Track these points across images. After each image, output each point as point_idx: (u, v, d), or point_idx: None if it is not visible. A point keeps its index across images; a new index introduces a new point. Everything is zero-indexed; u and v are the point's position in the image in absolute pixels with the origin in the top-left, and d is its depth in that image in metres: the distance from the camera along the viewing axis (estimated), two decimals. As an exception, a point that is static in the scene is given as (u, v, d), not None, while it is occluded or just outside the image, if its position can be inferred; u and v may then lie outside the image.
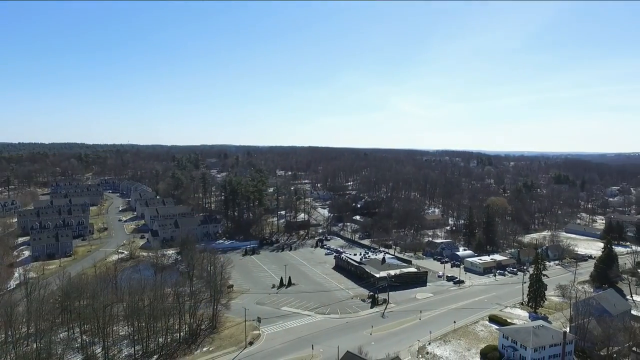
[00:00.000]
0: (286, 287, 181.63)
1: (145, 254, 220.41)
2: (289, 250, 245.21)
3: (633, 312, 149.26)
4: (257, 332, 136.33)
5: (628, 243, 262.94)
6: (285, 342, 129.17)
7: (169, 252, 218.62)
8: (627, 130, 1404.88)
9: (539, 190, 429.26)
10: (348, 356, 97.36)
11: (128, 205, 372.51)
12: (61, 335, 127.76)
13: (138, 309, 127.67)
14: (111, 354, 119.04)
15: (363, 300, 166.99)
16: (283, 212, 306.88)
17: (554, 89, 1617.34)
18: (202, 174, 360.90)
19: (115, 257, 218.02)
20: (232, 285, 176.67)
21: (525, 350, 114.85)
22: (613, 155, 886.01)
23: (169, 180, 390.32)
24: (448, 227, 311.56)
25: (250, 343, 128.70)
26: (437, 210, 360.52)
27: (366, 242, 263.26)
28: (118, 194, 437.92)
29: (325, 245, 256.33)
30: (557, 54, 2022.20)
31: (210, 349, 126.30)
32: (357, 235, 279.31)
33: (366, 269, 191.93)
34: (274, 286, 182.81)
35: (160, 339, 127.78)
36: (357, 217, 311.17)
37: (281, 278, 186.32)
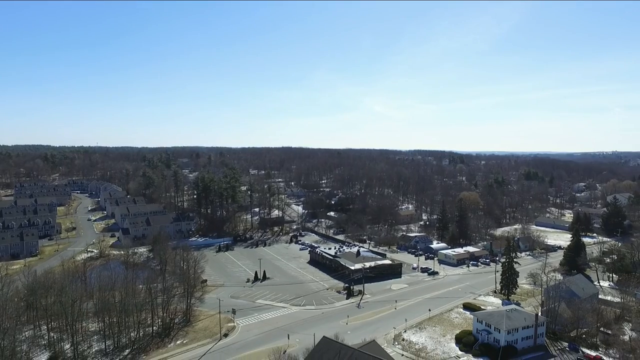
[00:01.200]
0: (261, 281, 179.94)
1: (116, 252, 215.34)
2: (264, 246, 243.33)
3: (600, 296, 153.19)
4: (232, 324, 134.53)
5: (595, 234, 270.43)
6: (261, 333, 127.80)
7: (140, 249, 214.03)
8: (592, 131, 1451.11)
9: (509, 186, 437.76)
10: (324, 341, 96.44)
11: (97, 204, 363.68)
12: (26, 333, 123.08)
13: (109, 305, 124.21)
14: (80, 349, 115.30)
15: (338, 292, 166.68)
16: (257, 209, 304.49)
17: (523, 90, 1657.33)
18: (174, 172, 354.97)
19: (84, 255, 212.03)
20: (205, 280, 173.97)
21: (499, 332, 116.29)
22: (579, 154, 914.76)
23: (139, 180, 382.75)
24: (422, 222, 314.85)
25: (225, 335, 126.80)
26: (410, 206, 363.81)
27: (341, 237, 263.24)
28: (87, 194, 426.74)
29: (300, 240, 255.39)
30: (524, 56, 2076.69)
31: (185, 341, 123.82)
32: (331, 231, 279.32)
33: (341, 262, 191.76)
34: (248, 280, 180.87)
35: (132, 334, 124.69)
36: (332, 214, 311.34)
37: (256, 272, 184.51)
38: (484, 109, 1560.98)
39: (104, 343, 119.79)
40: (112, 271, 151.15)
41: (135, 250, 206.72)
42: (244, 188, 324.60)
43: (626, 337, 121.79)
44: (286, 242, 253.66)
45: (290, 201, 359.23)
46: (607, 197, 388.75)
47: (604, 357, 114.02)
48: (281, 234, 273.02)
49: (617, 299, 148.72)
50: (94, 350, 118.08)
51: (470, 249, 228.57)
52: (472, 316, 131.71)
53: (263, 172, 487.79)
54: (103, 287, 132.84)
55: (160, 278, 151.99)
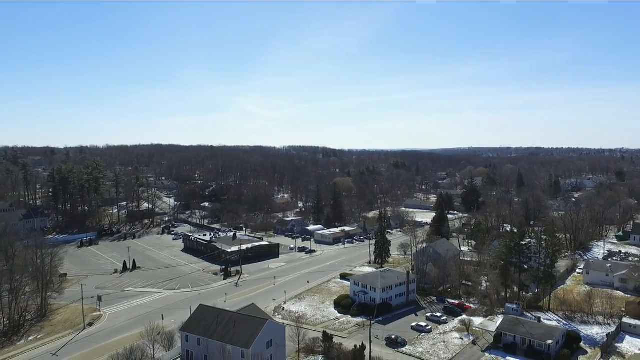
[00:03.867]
0: (130, 271, 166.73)
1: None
2: (133, 239, 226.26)
3: (462, 258, 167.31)
4: (98, 313, 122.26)
5: (456, 212, 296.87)
6: (131, 319, 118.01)
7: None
8: (450, 130, 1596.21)
9: (380, 175, 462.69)
10: (201, 309, 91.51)
11: None
12: None
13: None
14: None
15: (215, 274, 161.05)
16: (124, 203, 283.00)
17: (390, 91, 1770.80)
18: (22, 166, 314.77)
19: None
20: (65, 274, 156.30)
21: (375, 291, 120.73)
22: (440, 150, 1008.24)
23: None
24: (297, 210, 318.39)
25: (90, 324, 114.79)
26: (286, 195, 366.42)
27: (216, 226, 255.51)
28: None
29: (173, 231, 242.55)
30: (390, 59, 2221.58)
31: (39, 336, 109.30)
32: (206, 221, 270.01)
33: (217, 246, 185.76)
34: (116, 271, 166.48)
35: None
36: (206, 204, 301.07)
37: (124, 262, 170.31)
38: (354, 108, 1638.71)
39: None
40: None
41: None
42: (109, 184, 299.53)
43: (483, 287, 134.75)
44: (158, 234, 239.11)
45: (161, 194, 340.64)
46: (465, 181, 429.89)
47: (466, 303, 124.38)
48: (152, 226, 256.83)
49: (476, 259, 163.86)
50: None
51: (346, 228, 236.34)
52: (349, 284, 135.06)
53: (130, 168, 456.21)
54: None
55: (6, 278, 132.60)
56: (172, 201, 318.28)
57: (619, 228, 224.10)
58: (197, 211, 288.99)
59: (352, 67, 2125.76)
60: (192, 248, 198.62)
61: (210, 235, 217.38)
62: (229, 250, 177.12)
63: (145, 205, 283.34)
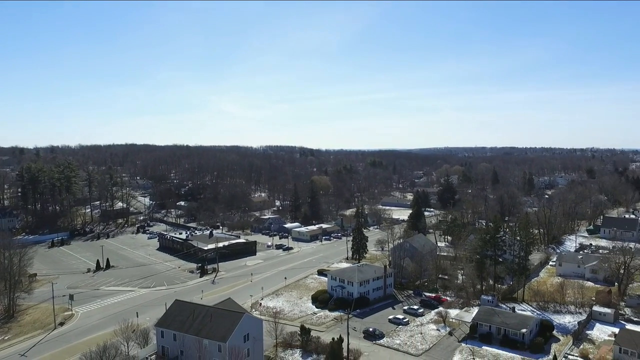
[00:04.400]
0: (104, 270, 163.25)
1: None
2: (106, 238, 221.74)
3: (438, 253, 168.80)
4: (70, 312, 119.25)
5: (432, 209, 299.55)
6: (104, 317, 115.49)
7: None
8: (427, 129, 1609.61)
9: (357, 173, 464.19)
10: (177, 304, 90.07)
11: None
12: None
13: None
14: None
15: (191, 272, 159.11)
16: (98, 203, 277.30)
17: (368, 91, 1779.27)
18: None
19: None
20: (35, 274, 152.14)
21: (352, 285, 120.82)
22: (417, 150, 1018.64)
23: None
24: (275, 208, 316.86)
25: (61, 324, 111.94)
26: (263, 194, 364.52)
27: (192, 225, 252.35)
28: None
29: (148, 230, 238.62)
30: (370, 59, 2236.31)
31: (6, 337, 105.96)
32: (182, 220, 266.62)
33: (193, 244, 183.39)
34: (89, 270, 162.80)
35: None
36: (182, 203, 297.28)
37: (97, 261, 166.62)
38: (332, 109, 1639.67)
39: None
40: None
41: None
42: (81, 183, 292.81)
43: (459, 280, 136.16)
44: (132, 233, 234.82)
45: (136, 193, 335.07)
46: (441, 179, 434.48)
47: (443, 296, 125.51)
48: (126, 225, 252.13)
49: (452, 254, 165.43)
50: None
51: (323, 225, 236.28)
52: (326, 280, 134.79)
53: (104, 167, 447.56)
54: None
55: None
56: (147, 200, 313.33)
57: (589, 222, 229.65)
58: (172, 210, 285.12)
59: (329, 67, 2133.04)
60: (168, 246, 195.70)
61: (186, 233, 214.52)
62: (206, 248, 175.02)
63: (120, 205, 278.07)
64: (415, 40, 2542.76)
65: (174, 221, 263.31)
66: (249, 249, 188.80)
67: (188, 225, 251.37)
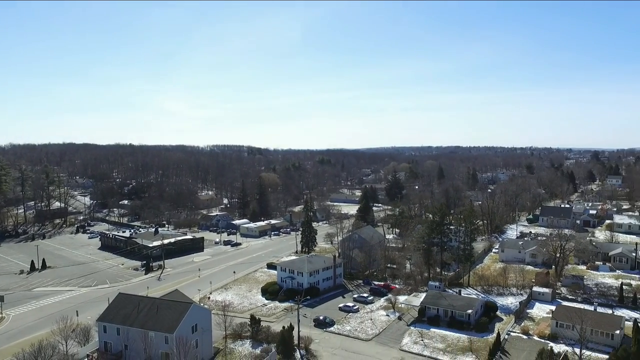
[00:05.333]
0: (39, 271, 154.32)
1: None
2: (42, 239, 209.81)
3: (387, 244, 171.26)
4: (0, 315, 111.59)
5: (380, 204, 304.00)
6: (40, 318, 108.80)
7: None
8: (375, 129, 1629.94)
9: (306, 171, 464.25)
10: (121, 297, 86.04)
11: None
12: None
13: None
14: None
15: (136, 269, 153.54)
16: (32, 203, 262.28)
17: (318, 91, 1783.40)
18: None
19: None
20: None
21: (302, 276, 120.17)
22: (365, 149, 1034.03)
23: None
24: (222, 206, 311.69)
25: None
26: (210, 192, 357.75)
27: (137, 223, 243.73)
28: None
29: (89, 230, 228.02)
30: (318, 60, 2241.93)
31: None
32: (125, 219, 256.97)
33: (138, 241, 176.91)
34: (22, 272, 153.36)
35: None
36: (125, 202, 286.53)
37: (32, 262, 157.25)
38: (279, 108, 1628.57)
39: None
40: None
41: None
42: (13, 182, 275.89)
43: (407, 269, 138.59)
44: (71, 233, 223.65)
45: (75, 192, 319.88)
46: (389, 176, 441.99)
47: (391, 284, 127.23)
48: (65, 226, 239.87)
49: (400, 245, 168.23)
50: None
51: (272, 221, 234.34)
52: (276, 273, 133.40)
53: (38, 167, 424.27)
54: None
55: None
56: (87, 200, 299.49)
57: (529, 212, 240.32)
58: (115, 209, 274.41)
59: (277, 67, 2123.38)
60: (111, 245, 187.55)
61: (130, 232, 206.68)
62: (151, 245, 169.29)
63: (57, 205, 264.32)
64: (360, 41, 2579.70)
65: (116, 220, 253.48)
66: (196, 245, 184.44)
67: (132, 224, 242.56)
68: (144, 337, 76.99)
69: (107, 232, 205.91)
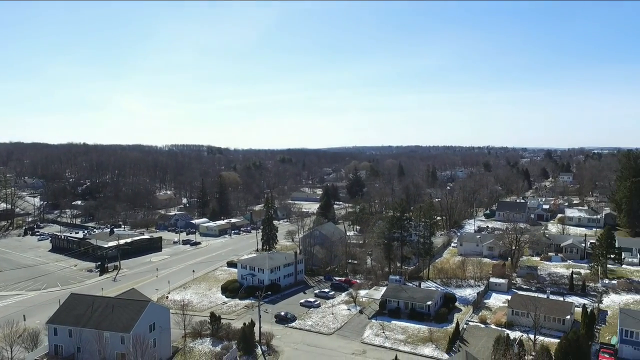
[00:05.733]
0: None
1: None
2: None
3: (348, 241, 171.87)
4: None
5: (341, 202, 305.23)
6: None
7: None
8: (337, 130, 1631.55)
9: (267, 170, 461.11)
10: (73, 297, 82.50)
11: None
12: None
13: None
14: None
15: (90, 271, 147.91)
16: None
17: (279, 91, 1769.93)
18: None
19: None
20: None
21: (263, 273, 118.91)
22: (327, 148, 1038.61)
23: None
24: (182, 205, 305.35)
25: None
26: (169, 192, 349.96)
27: (91, 224, 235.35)
28: None
29: (38, 232, 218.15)
30: (280, 59, 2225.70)
31: None
32: (79, 220, 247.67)
33: (92, 242, 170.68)
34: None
35: None
36: (79, 202, 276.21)
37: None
38: (240, 108, 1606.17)
39: None
40: None
41: None
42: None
43: (368, 264, 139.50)
44: (19, 236, 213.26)
45: (24, 193, 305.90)
46: (350, 174, 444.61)
47: (352, 279, 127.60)
48: (11, 228, 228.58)
49: (361, 242, 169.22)
50: None
51: (232, 220, 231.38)
52: (236, 271, 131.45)
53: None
54: None
55: None
56: (37, 200, 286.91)
57: (486, 208, 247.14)
58: (67, 210, 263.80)
59: (238, 66, 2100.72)
60: (62, 247, 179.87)
61: (84, 232, 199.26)
62: (106, 246, 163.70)
63: (3, 206, 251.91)
64: (321, 42, 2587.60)
65: (69, 221, 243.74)
66: (154, 245, 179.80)
67: (86, 225, 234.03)
68: (99, 338, 74.00)
69: (59, 234, 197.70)
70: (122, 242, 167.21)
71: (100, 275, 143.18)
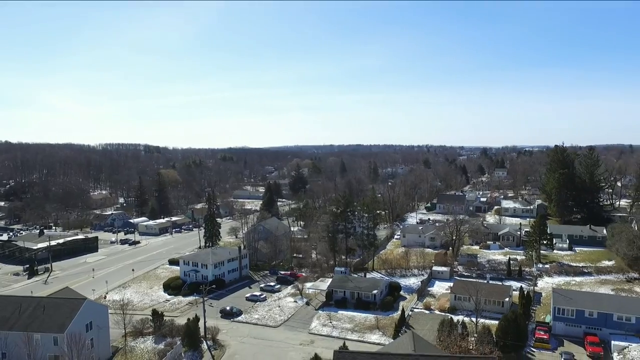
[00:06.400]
0: None
1: None
2: None
3: (293, 236, 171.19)
4: None
5: (284, 199, 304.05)
6: None
7: None
8: (279, 129, 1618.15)
9: (208, 168, 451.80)
10: (-3, 298, 76.23)
11: None
12: None
13: None
14: None
15: (17, 274, 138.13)
16: None
17: (219, 89, 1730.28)
18: None
19: None
20: None
21: (206, 268, 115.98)
22: (268, 147, 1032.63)
23: None
24: (118, 205, 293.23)
25: None
26: (104, 191, 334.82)
27: (17, 226, 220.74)
28: None
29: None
30: (220, 57, 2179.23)
31: None
32: (3, 222, 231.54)
33: (19, 244, 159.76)
34: None
35: None
36: (2, 203, 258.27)
37: None
38: (179, 106, 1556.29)
39: None
40: None
41: None
42: None
43: (313, 258, 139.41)
44: None
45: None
46: (292, 172, 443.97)
47: (298, 272, 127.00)
48: None
49: (305, 237, 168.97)
50: None
51: (174, 218, 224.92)
52: (179, 268, 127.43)
53: None
54: None
55: None
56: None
57: (427, 201, 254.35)
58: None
59: (174, 64, 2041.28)
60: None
61: (9, 234, 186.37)
62: (35, 248, 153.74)
63: None
64: (260, 41, 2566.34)
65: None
66: (89, 246, 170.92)
67: (10, 227, 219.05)
68: (28, 341, 68.84)
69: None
70: (53, 242, 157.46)
71: (29, 278, 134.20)
